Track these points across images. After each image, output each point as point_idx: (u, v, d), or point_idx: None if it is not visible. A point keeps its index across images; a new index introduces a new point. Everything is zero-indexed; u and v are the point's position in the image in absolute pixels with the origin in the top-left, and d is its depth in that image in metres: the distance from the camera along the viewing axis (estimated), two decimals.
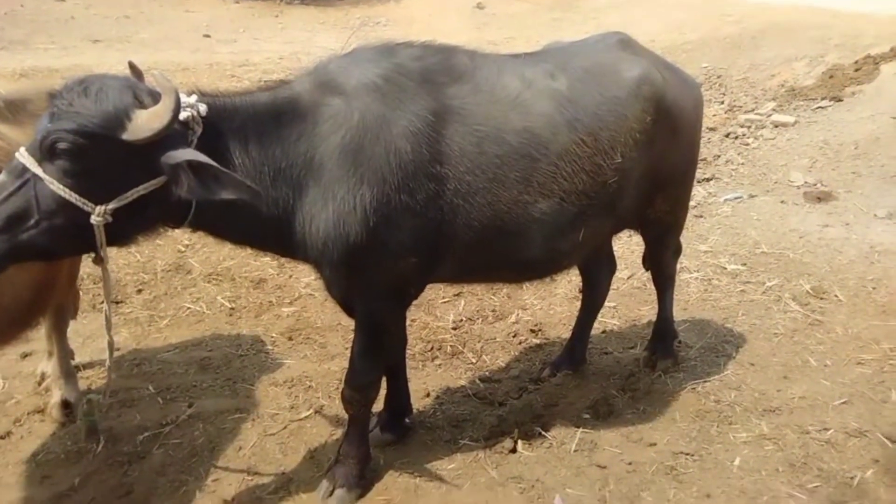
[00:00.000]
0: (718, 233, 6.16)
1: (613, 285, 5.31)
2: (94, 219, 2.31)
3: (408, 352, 4.39)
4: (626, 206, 3.30)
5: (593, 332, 4.64)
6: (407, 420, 3.64)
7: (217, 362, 4.33)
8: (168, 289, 5.23)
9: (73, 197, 2.27)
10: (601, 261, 4.09)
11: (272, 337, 4.64)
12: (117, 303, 5.03)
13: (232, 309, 4.99)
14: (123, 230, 2.45)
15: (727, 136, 8.46)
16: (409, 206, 2.72)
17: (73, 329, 4.56)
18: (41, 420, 3.74)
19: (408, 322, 4.74)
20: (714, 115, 9.15)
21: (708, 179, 7.36)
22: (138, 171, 2.34)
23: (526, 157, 2.88)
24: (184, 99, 2.43)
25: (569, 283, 5.28)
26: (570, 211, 3.02)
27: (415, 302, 4.86)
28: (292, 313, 4.93)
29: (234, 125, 2.57)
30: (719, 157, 7.96)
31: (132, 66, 2.62)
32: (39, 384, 4.00)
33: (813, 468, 3.33)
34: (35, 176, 2.25)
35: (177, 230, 2.68)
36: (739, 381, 4.05)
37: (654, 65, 3.33)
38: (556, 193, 2.96)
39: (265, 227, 2.69)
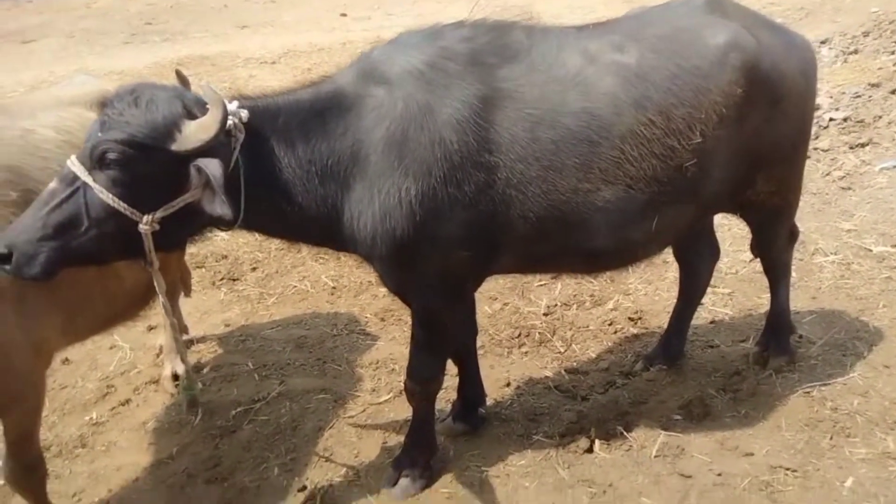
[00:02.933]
0: (868, 208, 5.36)
1: (731, 269, 4.87)
2: (142, 227, 2.39)
3: (494, 338, 4.34)
4: (714, 190, 2.93)
5: (701, 322, 4.27)
6: (481, 410, 3.57)
7: (312, 341, 4.51)
8: (279, 267, 5.51)
9: (121, 206, 2.35)
10: (700, 246, 3.70)
11: (366, 317, 4.74)
12: (234, 280, 5.40)
13: (334, 288, 5.16)
14: (171, 236, 2.52)
15: (893, 92, 7.28)
16: (458, 199, 2.59)
17: (193, 305, 4.99)
18: (155, 390, 4.12)
19: (499, 306, 4.68)
20: (880, 69, 7.91)
21: (863, 145, 6.41)
22: (185, 179, 2.39)
23: (585, 142, 2.64)
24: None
25: None
26: (639, 198, 2.74)
27: (507, 285, 4.85)
28: (388, 294, 4.98)
29: (278, 126, 2.57)
30: (881, 117, 6.88)
31: (179, 75, 2.70)
32: (158, 356, 4.40)
33: None
34: (85, 184, 2.35)
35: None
36: (867, 385, 3.52)
37: (750, 27, 2.89)
38: (621, 180, 2.69)
39: (316, 225, 2.69)
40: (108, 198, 2.34)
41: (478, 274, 2.94)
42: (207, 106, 2.43)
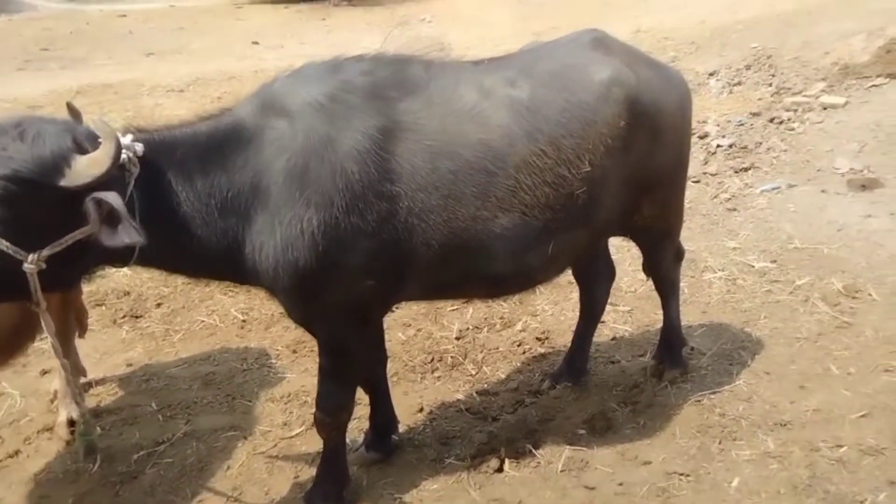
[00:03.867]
0: (750, 227, 5.81)
1: (630, 287, 5.14)
2: (27, 266, 2.29)
3: (408, 364, 4.38)
4: (604, 216, 3.13)
5: (603, 339, 4.48)
6: (394, 437, 3.59)
7: (221, 377, 4.40)
8: (186, 301, 5.36)
9: (3, 244, 2.26)
10: (597, 268, 3.90)
11: (277, 350, 4.67)
12: (136, 317, 5.20)
13: (244, 321, 5.07)
14: (60, 275, 2.43)
15: (771, 121, 7.96)
16: (360, 228, 2.65)
17: (92, 345, 4.76)
18: (49, 438, 3.88)
19: (412, 332, 4.74)
20: (759, 99, 8.64)
21: (746, 169, 6.94)
22: (74, 215, 2.32)
23: (482, 172, 2.76)
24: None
25: None
26: (535, 225, 2.88)
27: (420, 311, 4.92)
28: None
29: (175, 159, 2.55)
30: (761, 144, 7.49)
31: (70, 108, 2.64)
32: (52, 402, 4.16)
33: (819, 490, 3.07)
34: None
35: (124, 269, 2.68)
36: (751, 391, 3.79)
37: (630, 63, 3.13)
38: (517, 208, 2.83)
39: (217, 259, 2.67)
40: None
41: (383, 302, 3.00)
42: (100, 140, 2.38)
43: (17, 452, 3.76)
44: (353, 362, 3.06)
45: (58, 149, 2.30)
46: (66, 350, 4.02)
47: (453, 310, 5.01)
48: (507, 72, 3.00)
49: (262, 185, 2.62)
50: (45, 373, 4.48)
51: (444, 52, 3.34)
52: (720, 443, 3.43)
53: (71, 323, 4.06)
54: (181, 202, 2.55)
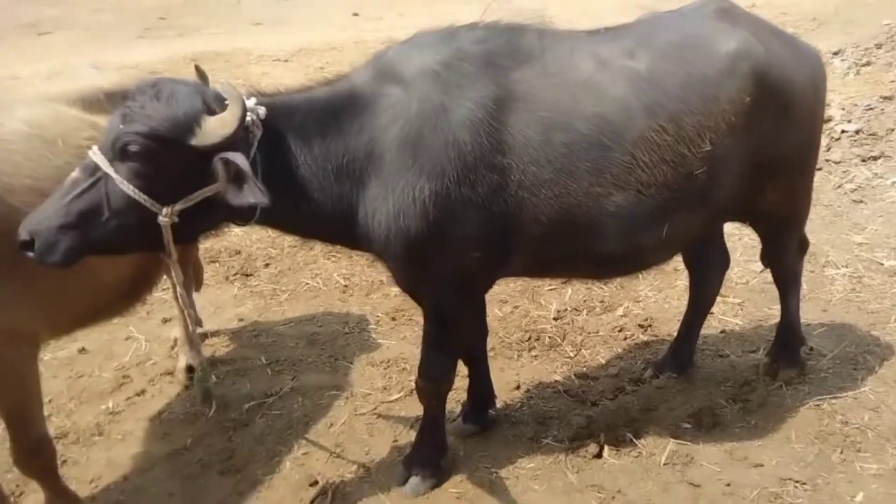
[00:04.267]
0: (880, 221, 5.38)
1: (742, 279, 4.89)
2: (161, 219, 2.42)
3: (504, 341, 4.37)
4: (723, 199, 2.96)
5: (711, 331, 4.29)
6: (490, 412, 3.60)
7: (324, 338, 4.56)
8: (292, 263, 5.56)
9: (141, 197, 2.39)
10: (710, 254, 3.72)
11: (377, 316, 4.78)
12: (247, 275, 5.45)
13: (345, 286, 5.21)
14: (189, 229, 2.56)
15: None
16: (471, 199, 2.62)
17: (207, 299, 5.04)
18: (170, 381, 4.17)
19: (509, 309, 4.72)
20: (892, 82, 7.92)
21: (875, 158, 6.42)
22: (203, 173, 2.42)
23: (597, 146, 2.66)
24: None
25: None
26: (650, 204, 2.76)
27: (518, 288, 4.88)
28: (399, 293, 4.95)
29: (295, 123, 2.60)
30: (893, 130, 6.88)
31: (198, 70, 2.73)
32: (173, 348, 4.45)
33: None
34: (106, 175, 2.39)
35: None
36: (878, 400, 3.53)
37: (759, 35, 2.92)
38: (633, 185, 2.72)
39: (331, 222, 2.72)
40: (129, 189, 2.37)
41: (489, 275, 2.98)
42: (226, 102, 2.47)
43: (143, 391, 4.06)
44: (456, 332, 3.07)
45: (190, 109, 2.40)
46: (184, 300, 4.30)
47: (551, 289, 4.95)
48: (625, 42, 2.87)
49: (376, 152, 2.64)
50: (166, 321, 4.79)
51: (545, 25, 3.23)
52: (842, 452, 3.22)
53: (189, 276, 4.31)
54: (300, 165, 2.61)
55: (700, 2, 3.14)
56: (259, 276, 5.42)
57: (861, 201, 5.76)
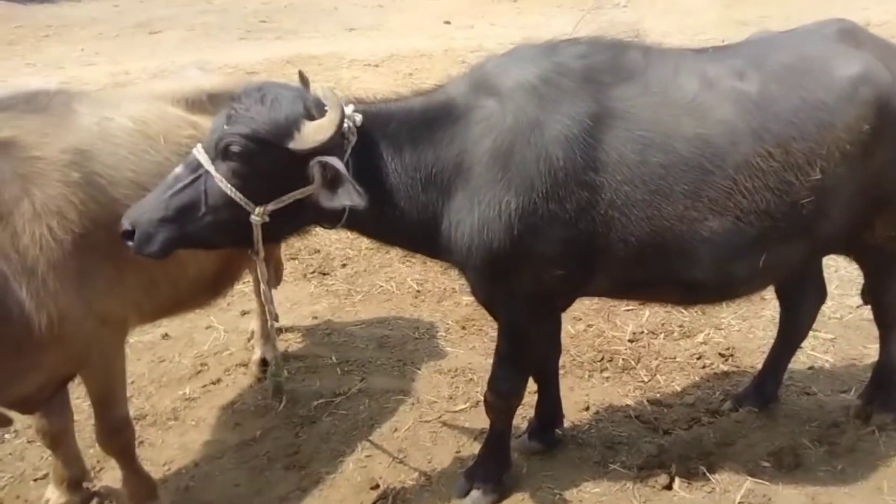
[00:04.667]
0: None
1: (836, 314, 4.60)
2: (253, 218, 2.51)
3: (576, 360, 4.27)
4: (829, 230, 2.78)
5: (798, 366, 4.04)
6: (557, 431, 3.52)
7: (394, 342, 4.59)
8: (368, 266, 5.65)
9: (237, 196, 2.48)
10: (806, 287, 3.51)
11: (447, 324, 4.78)
12: (324, 274, 5.58)
13: (418, 291, 5.24)
14: (279, 229, 2.65)
15: None
16: (558, 216, 2.58)
17: (284, 294, 5.18)
18: (244, 373, 4.30)
19: (582, 327, 4.61)
20: None
21: None
22: (297, 176, 2.49)
23: (696, 169, 2.56)
24: None
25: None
26: (749, 232, 2.63)
27: (593, 307, 4.76)
28: (470, 303, 4.98)
29: (388, 131, 2.64)
30: None
31: (301, 76, 2.81)
32: (249, 340, 4.60)
33: None
34: (207, 173, 2.49)
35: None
36: None
37: (885, 59, 2.73)
38: (731, 211, 2.59)
39: (415, 230, 2.74)
40: (227, 187, 2.47)
41: (570, 293, 2.91)
42: (326, 108, 2.53)
43: (218, 380, 4.21)
44: (530, 349, 3.02)
45: (291, 113, 2.47)
46: (267, 296, 4.43)
47: (628, 310, 4.80)
48: (735, 62, 2.75)
49: (465, 164, 2.64)
50: (245, 313, 4.95)
51: (649, 41, 3.14)
52: None
53: (270, 272, 4.44)
54: (389, 173, 2.64)
55: (820, 22, 2.98)
56: (335, 276, 5.54)
57: None
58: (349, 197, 2.43)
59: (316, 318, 4.95)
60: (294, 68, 12.33)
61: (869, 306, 3.56)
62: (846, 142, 2.64)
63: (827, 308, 4.47)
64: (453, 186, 2.66)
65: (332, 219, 2.68)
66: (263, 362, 4.26)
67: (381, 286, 5.34)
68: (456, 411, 3.85)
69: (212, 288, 3.42)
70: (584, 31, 2.94)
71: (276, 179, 2.52)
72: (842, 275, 4.85)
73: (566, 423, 3.63)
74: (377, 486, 3.32)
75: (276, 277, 4.64)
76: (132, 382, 4.05)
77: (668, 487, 3.20)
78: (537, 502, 3.17)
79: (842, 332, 4.38)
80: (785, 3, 14.53)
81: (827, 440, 3.41)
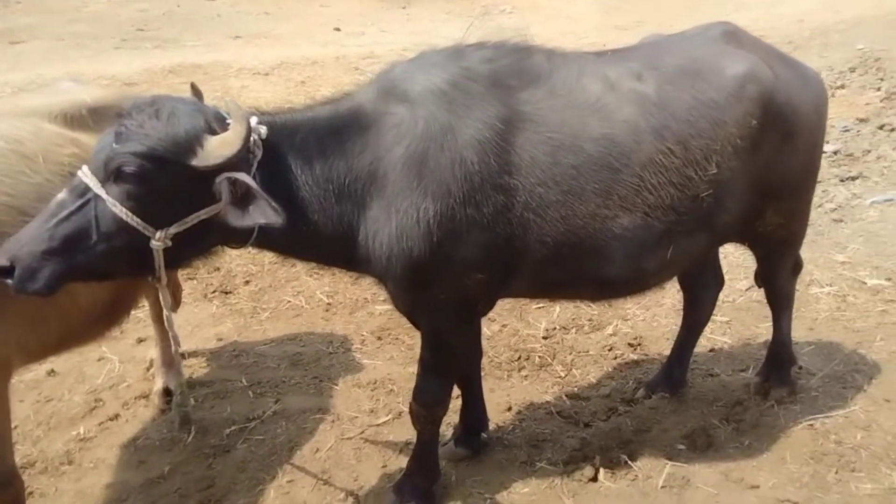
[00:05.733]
0: (860, 241, 5.43)
1: (728, 297, 4.88)
2: (153, 243, 2.33)
3: (494, 360, 4.29)
4: (726, 221, 2.94)
5: (700, 350, 4.24)
6: (483, 435, 3.51)
7: (308, 359, 4.43)
8: (273, 281, 5.43)
9: (134, 220, 2.28)
10: (705, 275, 3.70)
11: (362, 335, 4.67)
12: (226, 293, 5.30)
13: (329, 304, 5.09)
14: (182, 253, 2.46)
15: (881, 127, 7.45)
16: (476, 220, 2.56)
17: (184, 318, 4.87)
18: (146, 405, 4.00)
19: (497, 328, 4.64)
20: (867, 104, 8.11)
21: (853, 178, 6.52)
22: (200, 195, 2.34)
23: (605, 168, 2.62)
24: None
25: (677, 292, 4.83)
26: (656, 227, 2.73)
27: (506, 307, 4.81)
28: (385, 312, 4.93)
29: (295, 143, 2.52)
30: (870, 151, 7.02)
31: (194, 88, 2.64)
32: (148, 370, 4.28)
33: None
34: (97, 197, 2.28)
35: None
36: (870, 419, 3.52)
37: (766, 59, 2.92)
38: (640, 208, 2.68)
39: (329, 244, 2.63)
40: (121, 212, 2.27)
41: (490, 297, 2.91)
42: (228, 121, 2.38)
43: (116, 416, 3.89)
44: (454, 357, 2.99)
45: (191, 128, 2.31)
46: (169, 321, 4.14)
47: (539, 308, 4.88)
48: (632, 64, 2.85)
49: (379, 172, 2.56)
50: (140, 341, 4.62)
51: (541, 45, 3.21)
52: (837, 473, 3.19)
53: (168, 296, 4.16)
54: (300, 186, 2.52)
55: (705, 25, 3.14)
56: (239, 294, 5.28)
57: (841, 220, 5.82)
58: (263, 215, 2.29)
59: (221, 339, 4.70)
60: (177, 78, 11.80)
61: (758, 289, 3.81)
62: (737, 136, 2.80)
63: (721, 293, 4.77)
64: (368, 196, 2.58)
65: (240, 238, 2.53)
66: (167, 392, 3.98)
67: (289, 301, 5.15)
68: (378, 425, 3.76)
69: (107, 318, 3.15)
70: (474, 38, 2.95)
71: (177, 200, 2.34)
72: (730, 261, 5.17)
73: (490, 426, 3.62)
74: None
75: (174, 300, 4.35)
76: (16, 427, 3.65)
77: (594, 479, 3.27)
78: None
79: (735, 314, 4.66)
80: (658, 9, 15.48)
81: (733, 418, 3.61)
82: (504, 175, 2.56)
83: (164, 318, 2.72)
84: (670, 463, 3.32)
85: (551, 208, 2.62)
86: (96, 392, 4.09)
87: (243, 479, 3.39)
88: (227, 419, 3.82)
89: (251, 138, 2.38)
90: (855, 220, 5.80)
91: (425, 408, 3.03)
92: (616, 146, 2.64)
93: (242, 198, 2.30)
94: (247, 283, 5.41)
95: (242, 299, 5.20)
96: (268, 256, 5.77)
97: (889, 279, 4.82)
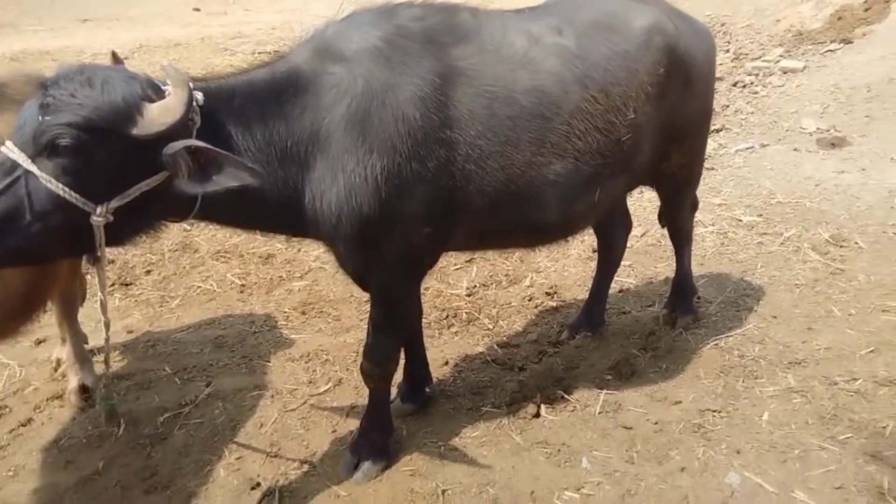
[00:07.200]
0: (731, 184, 6.05)
1: (628, 244, 5.26)
2: (94, 219, 2.19)
3: (424, 320, 4.36)
4: (640, 163, 3.20)
5: (611, 292, 4.57)
6: (427, 389, 3.60)
7: (231, 340, 4.29)
8: (177, 268, 5.18)
9: (72, 196, 2.14)
10: (616, 219, 3.99)
11: (285, 312, 4.59)
12: (126, 285, 4.99)
13: (242, 286, 4.94)
14: (124, 229, 2.34)
15: (734, 85, 8.27)
16: (421, 175, 2.62)
17: (85, 313, 4.52)
18: (60, 406, 3.72)
19: (421, 290, 4.73)
20: (720, 65, 8.92)
21: (717, 130, 7.20)
22: (141, 166, 2.22)
23: (538, 118, 2.77)
24: None
25: (581, 243, 5.19)
26: (585, 171, 2.92)
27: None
28: (304, 287, 4.88)
29: (234, 108, 2.45)
30: (728, 106, 7.79)
31: (114, 56, 2.49)
32: (55, 370, 3.97)
33: (844, 419, 3.28)
34: (27, 173, 2.11)
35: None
36: (762, 334, 3.99)
37: (666, 13, 3.19)
38: (571, 154, 2.86)
39: (275, 209, 2.58)
40: (57, 187, 2.12)
41: (436, 250, 2.97)
42: (164, 88, 2.27)
43: (29, 420, 3.59)
44: (404, 313, 3.06)
45: (129, 96, 2.18)
46: (74, 317, 3.86)
47: (457, 268, 5.04)
48: (551, 20, 3.00)
49: (321, 133, 2.54)
50: (40, 342, 4.27)
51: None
52: (743, 381, 3.60)
53: (76, 289, 3.88)
54: (241, 152, 2.44)
55: None
56: (141, 284, 4.99)
57: (713, 168, 6.43)
58: (235, 177, 2.23)
59: (131, 331, 4.44)
60: (22, 66, 10.66)
61: (659, 230, 4.17)
62: (647, 84, 3.04)
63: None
64: (312, 158, 2.56)
65: (181, 210, 2.43)
66: (83, 389, 3.72)
67: (199, 286, 4.94)
68: (320, 394, 3.74)
69: (21, 312, 2.90)
70: (346, 11, 2.96)
71: (116, 172, 2.21)
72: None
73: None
74: (258, 485, 3.12)
75: (80, 294, 4.06)
76: None
77: (537, 415, 3.47)
78: (424, 458, 3.22)
79: (635, 258, 5.05)
80: None
81: (650, 347, 3.95)
82: (445, 129, 2.63)
83: (99, 301, 2.56)
84: (603, 392, 3.59)
85: (490, 159, 2.72)
86: None
87: (188, 463, 3.26)
88: (157, 408, 3.64)
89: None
90: (724, 167, 6.43)
91: (378, 365, 3.07)
92: (546, 96, 2.78)
93: (206, 165, 2.22)
94: (148, 272, 5.13)
95: (147, 289, 4.93)
96: (166, 244, 5.49)
97: (760, 215, 5.42)
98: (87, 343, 4.11)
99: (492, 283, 4.82)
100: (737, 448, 3.17)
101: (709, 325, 4.12)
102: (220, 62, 11.22)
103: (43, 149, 2.11)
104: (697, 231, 5.31)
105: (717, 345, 3.91)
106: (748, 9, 11.20)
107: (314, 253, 5.18)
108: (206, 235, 5.53)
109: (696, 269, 4.79)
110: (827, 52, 8.50)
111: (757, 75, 8.43)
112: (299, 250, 5.28)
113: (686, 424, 3.33)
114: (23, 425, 3.57)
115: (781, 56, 8.77)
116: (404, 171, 2.59)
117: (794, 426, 3.27)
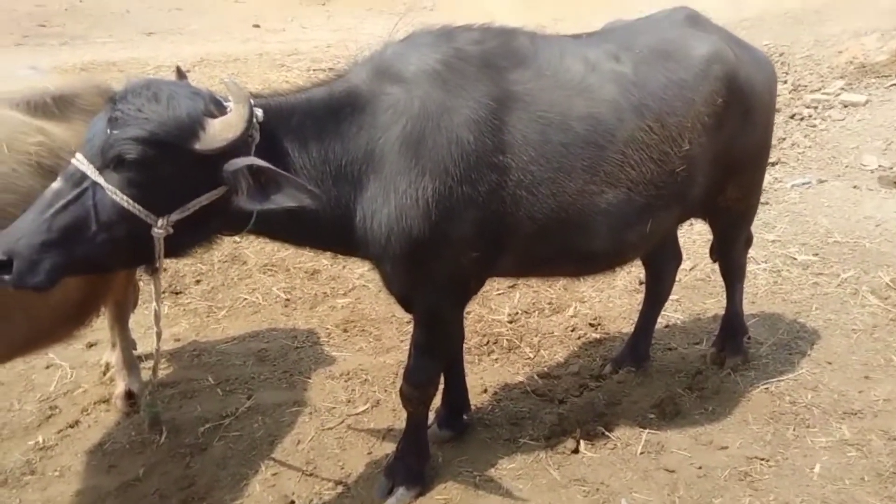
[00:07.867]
0: (786, 221, 5.87)
1: (676, 277, 5.14)
2: (155, 231, 2.26)
3: (464, 345, 4.34)
4: (695, 195, 3.13)
5: (656, 326, 4.46)
6: (465, 416, 3.56)
7: (274, 354, 4.34)
8: (225, 279, 5.28)
9: (136, 208, 2.21)
10: (666, 251, 3.91)
11: (327, 329, 4.62)
12: (177, 293, 5.11)
13: (287, 300, 5.00)
14: (182, 241, 2.39)
15: (792, 117, 8.05)
16: (472, 198, 2.61)
17: (135, 320, 4.64)
18: (107, 410, 3.81)
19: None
20: (778, 96, 8.71)
21: (773, 164, 7.00)
22: (201, 180, 2.28)
23: (592, 145, 2.74)
24: None
25: (628, 274, 5.09)
26: (638, 201, 2.87)
27: None
28: (347, 304, 4.91)
29: (292, 126, 2.49)
30: (784, 139, 7.58)
31: (179, 71, 2.57)
32: (104, 374, 4.08)
33: None
34: (95, 185, 2.19)
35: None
36: (816, 380, 3.83)
37: (726, 42, 3.13)
38: (623, 183, 2.81)
39: (327, 227, 2.61)
40: (122, 199, 2.19)
41: (482, 275, 2.96)
42: (226, 104, 2.33)
43: (76, 423, 3.68)
44: (448, 337, 3.04)
45: (193, 111, 2.24)
46: (125, 323, 3.96)
47: (500, 293, 5.00)
48: (608, 46, 2.98)
49: (376, 153, 2.57)
50: (91, 345, 4.39)
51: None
52: (794, 430, 3.46)
53: (130, 296, 3.99)
54: (297, 170, 2.49)
55: (669, 10, 3.31)
56: (190, 294, 5.10)
57: (767, 203, 6.24)
58: (293, 198, 2.27)
59: (178, 340, 4.53)
60: (91, 76, 11.15)
61: (709, 264, 4.05)
62: (705, 114, 2.98)
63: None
64: (365, 177, 2.58)
65: (237, 225, 2.48)
66: (129, 395, 3.81)
67: (246, 299, 5.02)
68: (358, 414, 3.74)
69: (76, 317, 2.99)
70: (401, 33, 2.99)
71: (178, 186, 2.27)
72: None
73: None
74: (292, 503, 3.13)
75: (133, 301, 4.17)
76: None
77: (576, 451, 3.39)
78: (459, 488, 3.18)
79: (683, 292, 4.93)
80: (576, 6, 16.02)
81: (696, 387, 3.83)
82: (498, 153, 2.62)
83: (153, 312, 2.62)
84: (645, 431, 3.49)
85: (542, 185, 2.70)
86: (50, 400, 3.87)
87: (225, 476, 3.30)
88: (199, 418, 3.70)
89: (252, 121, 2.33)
90: (779, 202, 6.24)
91: (417, 388, 3.06)
92: (601, 124, 2.75)
93: (266, 183, 2.26)
94: (198, 282, 5.23)
95: (195, 299, 5.03)
96: (216, 255, 5.61)
97: (816, 254, 5.23)
98: (135, 349, 4.21)
99: (534, 311, 4.76)
100: (785, 501, 3.03)
101: (759, 368, 3.98)
102: (277, 77, 11.51)
103: (110, 161, 2.19)
104: (750, 268, 5.15)
105: (767, 389, 3.77)
106: (808, 39, 10.93)
107: (359, 270, 5.22)
108: (255, 248, 5.63)
109: (748, 307, 4.64)
110: (892, 86, 8.22)
111: (816, 108, 8.19)
112: (344, 267, 5.32)
113: (732, 471, 3.21)
114: (70, 427, 3.67)
115: (842, 89, 8.51)
116: (455, 195, 2.59)
117: (849, 482, 3.11)
